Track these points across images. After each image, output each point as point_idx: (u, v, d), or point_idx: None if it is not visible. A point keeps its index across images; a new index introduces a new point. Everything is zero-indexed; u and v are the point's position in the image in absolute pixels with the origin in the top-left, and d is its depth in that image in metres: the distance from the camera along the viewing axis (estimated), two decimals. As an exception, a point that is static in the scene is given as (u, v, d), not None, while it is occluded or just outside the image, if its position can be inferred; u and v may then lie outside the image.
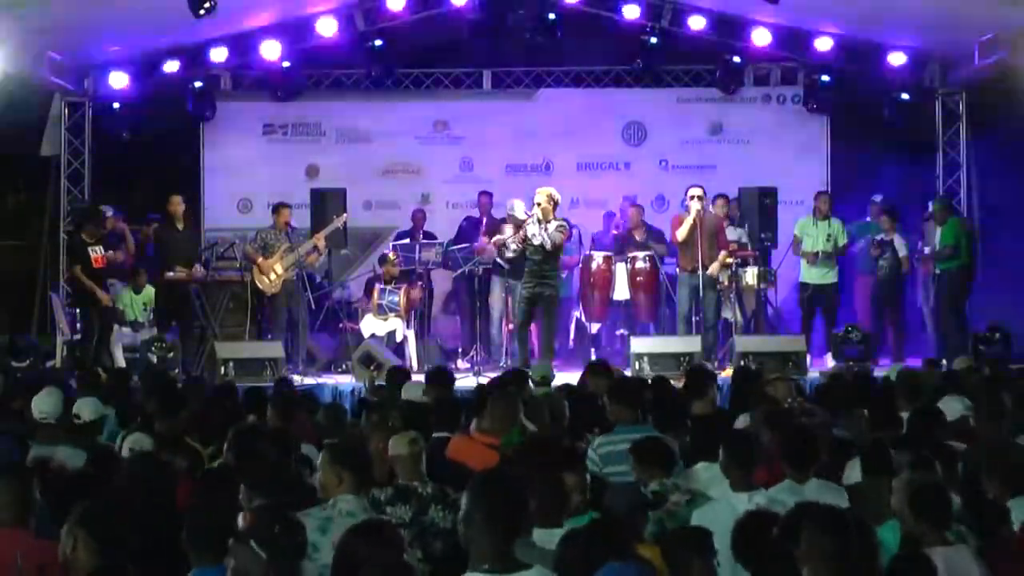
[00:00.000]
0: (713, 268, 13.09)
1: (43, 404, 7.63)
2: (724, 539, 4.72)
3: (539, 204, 12.58)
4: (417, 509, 5.64)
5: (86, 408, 7.80)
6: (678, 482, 6.00)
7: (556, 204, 12.69)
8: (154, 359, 12.99)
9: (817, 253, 14.09)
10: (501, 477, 4.27)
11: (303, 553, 4.30)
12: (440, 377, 9.05)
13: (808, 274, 14.30)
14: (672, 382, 9.03)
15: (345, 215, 13.87)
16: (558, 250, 12.75)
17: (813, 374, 12.36)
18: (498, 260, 13.66)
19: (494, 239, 13.26)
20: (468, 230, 14.83)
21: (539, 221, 12.55)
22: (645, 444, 6.22)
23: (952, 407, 7.56)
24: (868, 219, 15.05)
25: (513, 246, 12.81)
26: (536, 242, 12.56)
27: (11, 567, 4.84)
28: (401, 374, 10.08)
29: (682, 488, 5.94)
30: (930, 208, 14.60)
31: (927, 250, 14.34)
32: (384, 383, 10.06)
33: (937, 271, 14.29)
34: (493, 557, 3.90)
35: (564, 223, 12.90)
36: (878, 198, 15.05)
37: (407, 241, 14.52)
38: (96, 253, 13.17)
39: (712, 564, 4.49)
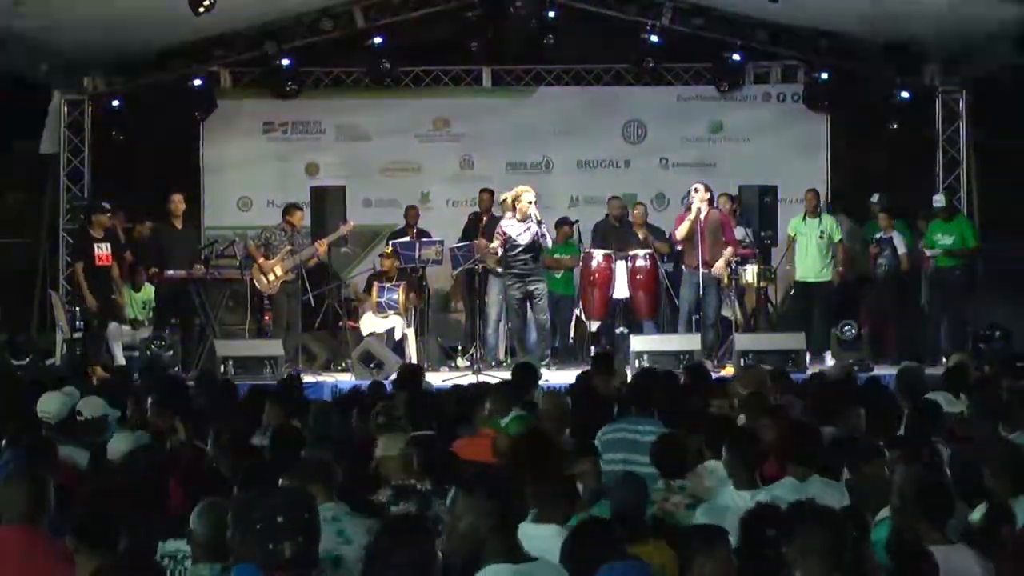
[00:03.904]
0: (718, 266, 13.08)
1: (48, 405, 7.61)
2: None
3: (533, 203, 12.63)
4: (420, 505, 5.68)
5: (88, 406, 7.80)
6: (685, 484, 5.99)
7: None
8: (154, 356, 12.99)
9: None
10: (499, 471, 4.30)
11: None
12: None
13: (803, 272, 14.29)
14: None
15: (351, 223, 13.85)
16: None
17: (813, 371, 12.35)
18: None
19: (492, 246, 13.24)
20: (471, 228, 14.83)
21: (538, 221, 12.58)
22: (663, 441, 6.21)
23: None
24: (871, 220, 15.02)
25: (500, 251, 12.84)
26: (524, 241, 12.61)
27: (26, 563, 4.84)
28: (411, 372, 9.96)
29: (687, 491, 5.93)
30: (939, 202, 14.42)
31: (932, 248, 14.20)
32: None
33: (935, 269, 14.23)
34: (508, 550, 3.97)
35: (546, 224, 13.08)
36: (875, 198, 15.02)
37: (407, 239, 14.50)
38: (102, 251, 13.16)
39: (724, 564, 4.45)
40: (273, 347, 12.84)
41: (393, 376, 10.35)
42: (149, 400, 8.18)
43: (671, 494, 5.89)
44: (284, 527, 4.08)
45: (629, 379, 10.46)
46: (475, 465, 6.09)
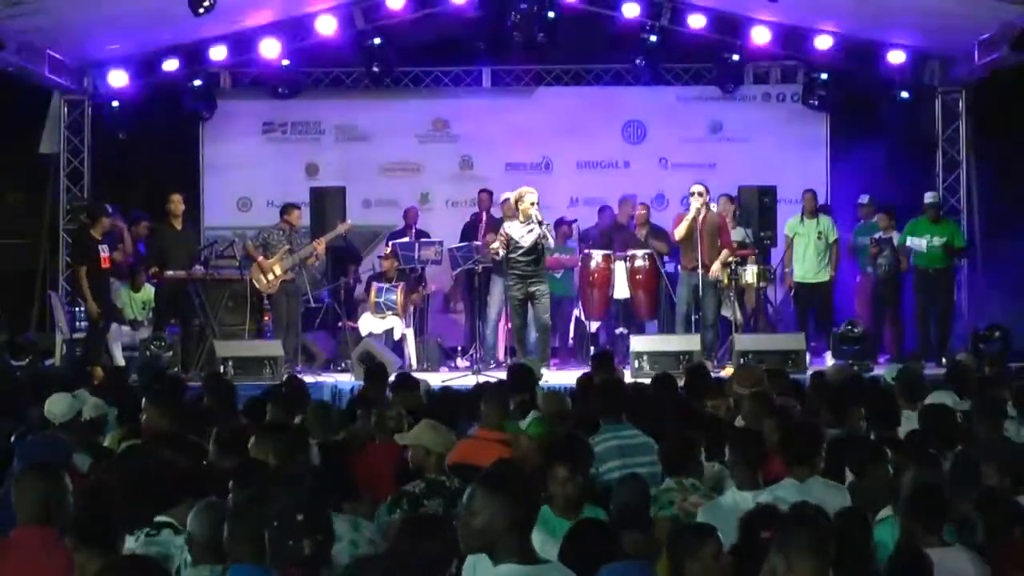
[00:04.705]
0: (714, 269, 13.05)
1: (56, 406, 7.60)
2: (729, 537, 4.70)
3: (534, 204, 12.61)
4: (448, 502, 5.72)
5: (88, 407, 7.79)
6: (698, 484, 5.98)
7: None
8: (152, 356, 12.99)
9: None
10: (517, 471, 4.28)
11: None
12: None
13: (801, 273, 14.29)
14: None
15: (349, 222, 13.84)
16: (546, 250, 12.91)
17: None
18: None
19: (494, 247, 13.21)
20: (470, 228, 14.82)
21: (539, 222, 12.57)
22: (671, 440, 6.21)
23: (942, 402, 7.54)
24: (861, 221, 15.02)
25: (503, 252, 12.82)
26: (526, 243, 12.59)
27: (39, 564, 4.84)
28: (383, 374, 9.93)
29: (703, 490, 5.92)
30: (930, 198, 14.40)
31: (936, 245, 14.18)
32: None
33: (919, 269, 14.22)
34: (521, 551, 3.96)
35: (549, 223, 13.02)
36: (865, 199, 15.03)
37: (407, 240, 14.50)
38: (105, 253, 13.15)
39: (713, 563, 4.44)
40: (273, 347, 12.83)
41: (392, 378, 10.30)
42: (144, 400, 8.15)
43: (688, 494, 5.87)
44: (304, 525, 4.15)
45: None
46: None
